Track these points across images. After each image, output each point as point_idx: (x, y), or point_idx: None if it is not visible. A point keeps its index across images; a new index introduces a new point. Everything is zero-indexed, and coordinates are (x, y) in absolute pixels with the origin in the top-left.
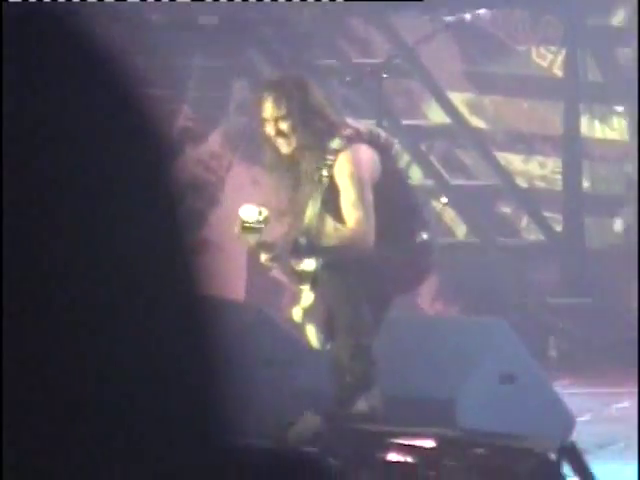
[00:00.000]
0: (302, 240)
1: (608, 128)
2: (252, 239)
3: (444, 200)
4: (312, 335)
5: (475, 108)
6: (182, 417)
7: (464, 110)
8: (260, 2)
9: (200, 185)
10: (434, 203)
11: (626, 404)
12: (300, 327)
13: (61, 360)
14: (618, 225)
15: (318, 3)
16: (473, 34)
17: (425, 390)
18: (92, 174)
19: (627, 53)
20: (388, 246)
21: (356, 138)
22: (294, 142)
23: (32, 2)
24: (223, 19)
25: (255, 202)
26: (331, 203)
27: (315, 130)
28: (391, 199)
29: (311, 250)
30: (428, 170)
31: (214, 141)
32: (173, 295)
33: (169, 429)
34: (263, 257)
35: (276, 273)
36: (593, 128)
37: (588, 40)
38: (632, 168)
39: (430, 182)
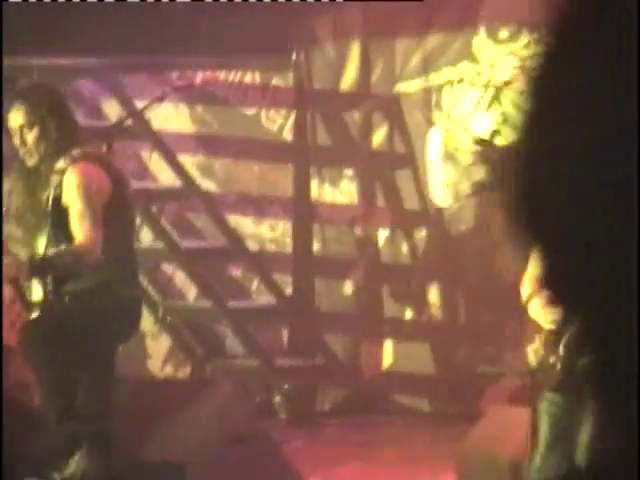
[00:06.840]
0: (36, 260)
1: (338, 191)
2: None
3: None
4: None
5: (206, 170)
6: None
7: (195, 172)
8: None
9: None
10: (165, 266)
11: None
12: None
13: None
14: (348, 287)
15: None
16: (203, 97)
17: (159, 453)
18: None
19: (355, 117)
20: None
21: (83, 158)
22: (37, 154)
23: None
24: None
25: None
26: (63, 226)
27: (52, 145)
28: (117, 229)
29: (46, 268)
30: (159, 232)
31: None
32: None
33: None
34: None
35: None
36: (323, 191)
37: (317, 104)
38: (361, 231)
39: (160, 244)
